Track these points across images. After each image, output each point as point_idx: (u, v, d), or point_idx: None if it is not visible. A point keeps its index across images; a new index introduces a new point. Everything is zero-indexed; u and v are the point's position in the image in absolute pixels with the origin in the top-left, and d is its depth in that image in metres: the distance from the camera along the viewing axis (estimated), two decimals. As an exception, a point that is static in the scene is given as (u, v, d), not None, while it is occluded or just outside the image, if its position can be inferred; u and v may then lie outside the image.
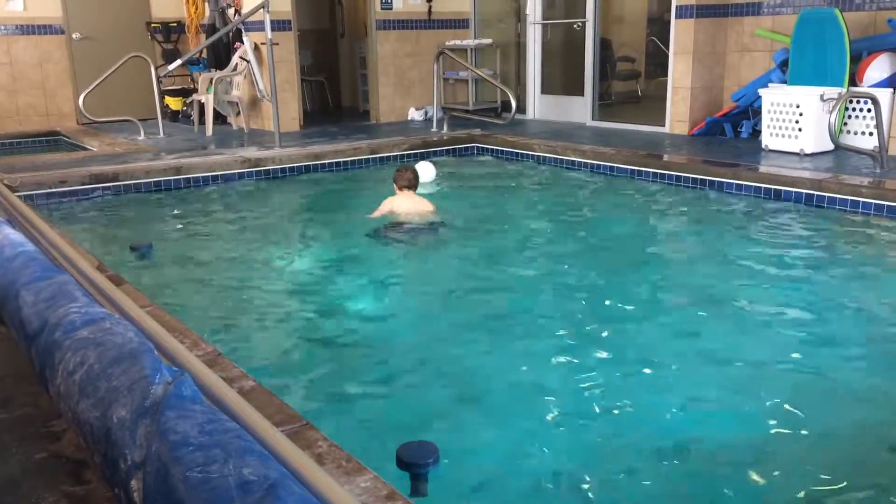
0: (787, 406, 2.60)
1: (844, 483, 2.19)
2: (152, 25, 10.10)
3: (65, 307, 2.23)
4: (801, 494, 2.13)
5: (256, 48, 8.22)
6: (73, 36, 9.67)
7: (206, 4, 9.44)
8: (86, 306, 2.25)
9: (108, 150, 7.34)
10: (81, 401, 1.80)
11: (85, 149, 7.82)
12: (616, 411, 2.61)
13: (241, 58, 8.59)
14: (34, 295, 2.42)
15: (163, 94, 9.44)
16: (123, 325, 2.10)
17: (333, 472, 1.73)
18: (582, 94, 8.67)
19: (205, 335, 2.73)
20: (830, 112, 5.37)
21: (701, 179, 5.73)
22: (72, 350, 1.97)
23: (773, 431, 2.47)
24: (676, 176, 5.90)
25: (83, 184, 5.82)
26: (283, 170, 6.63)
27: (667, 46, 7.70)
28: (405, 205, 4.93)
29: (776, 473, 2.25)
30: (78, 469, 1.79)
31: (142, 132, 8.14)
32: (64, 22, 9.58)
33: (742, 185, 5.49)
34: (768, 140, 6.37)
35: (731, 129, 7.25)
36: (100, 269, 3.16)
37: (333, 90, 11.56)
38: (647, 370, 2.92)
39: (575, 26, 8.65)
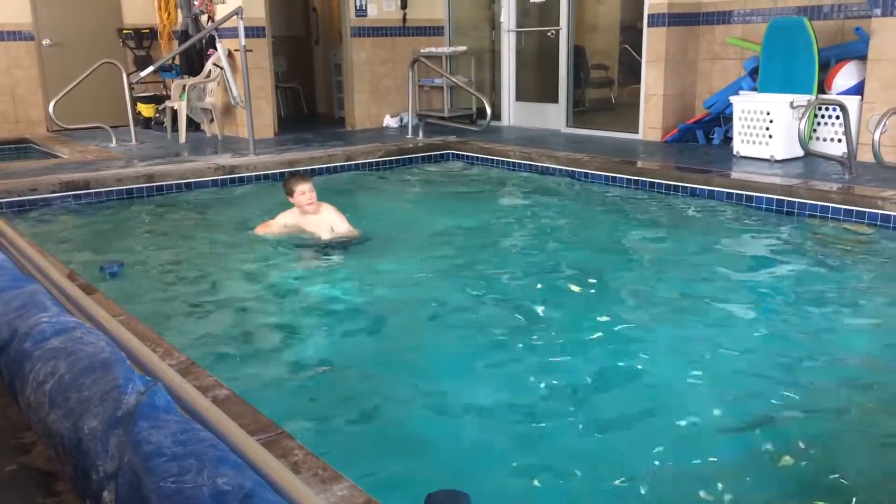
0: (763, 411, 2.63)
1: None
2: (124, 32, 10.00)
3: (35, 317, 2.20)
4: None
5: (230, 55, 8.18)
6: (44, 42, 9.55)
7: (179, 11, 9.38)
8: (56, 315, 2.22)
9: (79, 157, 7.25)
10: (52, 411, 1.78)
11: (55, 156, 7.71)
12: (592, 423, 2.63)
13: (214, 64, 8.54)
14: (3, 304, 2.38)
15: (135, 100, 9.36)
16: (95, 335, 2.07)
17: (310, 480, 1.72)
18: (556, 101, 8.73)
19: (178, 344, 2.70)
20: (800, 119, 5.46)
21: (674, 185, 5.79)
22: (42, 360, 1.95)
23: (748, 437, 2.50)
24: (650, 182, 5.95)
25: (53, 191, 5.74)
26: (257, 177, 6.60)
27: (639, 54, 7.78)
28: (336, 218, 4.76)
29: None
30: (49, 481, 1.76)
31: (113, 139, 8.06)
32: (34, 28, 9.46)
33: (714, 190, 5.55)
34: (739, 146, 6.45)
35: (703, 135, 7.34)
36: (70, 278, 3.12)
37: (308, 97, 11.53)
38: (624, 379, 2.94)
39: (549, 34, 8.71)
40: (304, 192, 4.65)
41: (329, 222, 4.71)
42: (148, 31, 10.11)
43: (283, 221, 4.84)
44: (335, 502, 1.65)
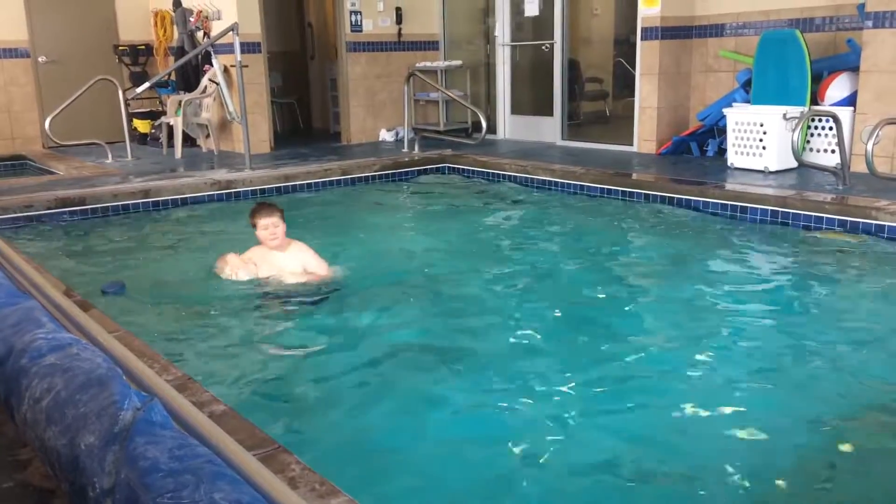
0: (760, 421, 2.63)
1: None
2: (120, 48, 10.03)
3: (31, 333, 2.20)
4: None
5: (226, 70, 8.20)
6: (40, 59, 9.58)
7: (175, 27, 9.42)
8: (52, 332, 2.22)
9: (75, 173, 7.26)
10: (48, 428, 1.77)
11: (51, 173, 7.72)
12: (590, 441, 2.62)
13: (210, 80, 8.57)
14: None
15: (131, 116, 9.38)
16: (91, 351, 2.07)
17: (307, 495, 1.71)
18: (551, 115, 8.77)
19: (175, 360, 2.70)
20: (793, 130, 5.49)
21: (668, 197, 5.80)
22: (38, 377, 1.94)
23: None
24: (645, 194, 5.97)
25: (49, 208, 5.74)
26: (253, 192, 6.61)
27: (633, 67, 7.82)
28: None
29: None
30: (45, 498, 1.75)
31: (109, 155, 8.06)
32: (30, 45, 9.49)
33: (709, 202, 5.56)
34: (733, 158, 6.48)
35: (698, 147, 7.37)
36: (66, 295, 3.12)
37: (304, 112, 11.56)
38: (621, 399, 2.94)
39: (543, 48, 8.76)
40: (266, 226, 4.05)
41: (300, 262, 4.16)
42: (144, 47, 10.14)
43: (251, 256, 4.19)
44: (332, 517, 1.64)
